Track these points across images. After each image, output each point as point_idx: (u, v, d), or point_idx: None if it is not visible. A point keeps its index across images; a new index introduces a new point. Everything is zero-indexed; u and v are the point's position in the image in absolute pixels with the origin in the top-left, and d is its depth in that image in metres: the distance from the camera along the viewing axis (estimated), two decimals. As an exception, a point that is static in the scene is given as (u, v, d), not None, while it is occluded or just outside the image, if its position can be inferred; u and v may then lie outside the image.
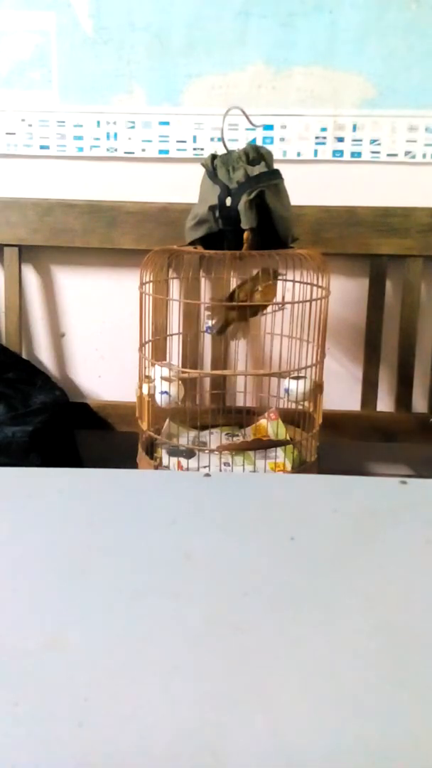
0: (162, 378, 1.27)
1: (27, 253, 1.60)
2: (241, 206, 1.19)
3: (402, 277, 1.54)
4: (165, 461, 1.31)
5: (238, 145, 1.48)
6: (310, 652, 0.41)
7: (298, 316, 1.33)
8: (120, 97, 1.51)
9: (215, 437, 1.41)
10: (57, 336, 1.67)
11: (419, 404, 1.63)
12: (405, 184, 1.52)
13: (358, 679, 0.39)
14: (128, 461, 1.39)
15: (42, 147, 1.55)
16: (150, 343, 1.34)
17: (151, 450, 1.37)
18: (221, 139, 1.29)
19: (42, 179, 1.57)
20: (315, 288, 1.28)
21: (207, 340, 1.59)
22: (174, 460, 1.30)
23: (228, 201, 1.21)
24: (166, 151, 1.53)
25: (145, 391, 1.28)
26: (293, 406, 1.38)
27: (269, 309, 1.31)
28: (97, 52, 1.48)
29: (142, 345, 1.31)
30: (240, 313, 1.27)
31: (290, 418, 1.42)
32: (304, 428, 1.37)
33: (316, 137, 1.50)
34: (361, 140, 1.50)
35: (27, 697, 0.37)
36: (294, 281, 1.35)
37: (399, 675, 0.39)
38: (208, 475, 0.66)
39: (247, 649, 0.41)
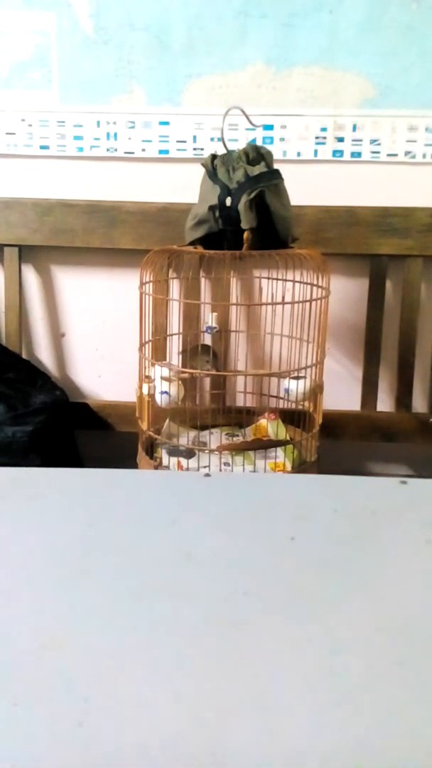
0: (162, 378, 1.27)
1: (27, 253, 1.60)
2: (241, 206, 1.19)
3: (402, 277, 1.54)
4: (165, 461, 1.31)
5: (238, 145, 1.48)
6: (310, 652, 0.41)
7: (298, 316, 1.33)
8: (120, 97, 1.51)
9: (215, 437, 1.41)
10: (57, 336, 1.67)
11: (419, 404, 1.63)
12: (405, 184, 1.52)
13: (358, 679, 0.38)
14: (128, 461, 1.39)
15: (42, 147, 1.55)
16: (150, 343, 1.34)
17: (151, 450, 1.37)
18: (221, 139, 1.29)
19: (42, 179, 1.57)
20: (315, 288, 1.28)
21: (207, 341, 1.59)
22: (174, 460, 1.30)
23: (228, 201, 1.21)
24: (166, 151, 1.53)
25: (145, 391, 1.28)
26: (293, 406, 1.38)
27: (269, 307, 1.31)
28: (97, 52, 1.48)
29: (142, 345, 1.31)
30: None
31: (290, 418, 1.42)
32: (304, 428, 1.37)
33: (316, 137, 1.50)
34: (361, 140, 1.50)
35: (27, 697, 0.37)
36: (294, 281, 1.35)
37: (399, 675, 0.39)
38: (208, 475, 0.66)
39: (247, 648, 0.41)
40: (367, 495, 0.62)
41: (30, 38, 1.48)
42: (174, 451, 1.32)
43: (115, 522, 0.56)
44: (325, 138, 1.50)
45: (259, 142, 1.51)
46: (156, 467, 1.32)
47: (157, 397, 1.27)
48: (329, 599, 0.46)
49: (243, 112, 1.28)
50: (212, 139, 1.51)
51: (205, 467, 1.27)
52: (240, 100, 1.47)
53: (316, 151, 1.51)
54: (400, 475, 1.54)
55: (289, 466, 1.30)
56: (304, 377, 1.29)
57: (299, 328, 1.34)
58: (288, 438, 1.39)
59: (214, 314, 1.53)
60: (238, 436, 1.44)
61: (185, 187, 1.49)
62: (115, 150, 1.54)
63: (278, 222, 1.22)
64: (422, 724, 0.35)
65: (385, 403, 1.62)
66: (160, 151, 1.53)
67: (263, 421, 1.45)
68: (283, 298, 1.43)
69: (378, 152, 1.50)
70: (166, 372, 1.28)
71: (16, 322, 1.59)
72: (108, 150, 1.54)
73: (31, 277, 1.64)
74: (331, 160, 1.52)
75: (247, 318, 1.60)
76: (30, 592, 0.46)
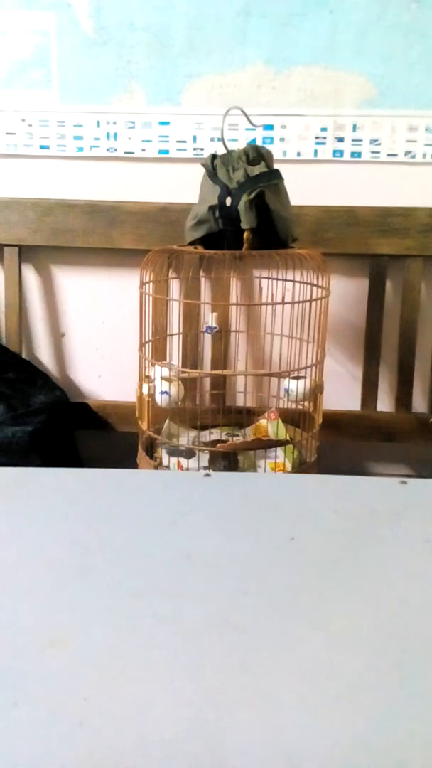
0: (162, 378, 1.27)
1: (27, 253, 1.60)
2: (241, 206, 1.19)
3: (402, 277, 1.54)
4: (165, 461, 1.31)
5: (238, 145, 1.48)
6: (310, 652, 0.41)
7: (298, 316, 1.34)
8: (120, 97, 1.51)
9: (215, 437, 1.41)
10: (57, 336, 1.67)
11: (419, 404, 1.63)
12: (405, 184, 1.52)
13: (358, 679, 0.38)
14: (128, 461, 1.39)
15: (42, 147, 1.55)
16: (150, 343, 1.34)
17: (151, 450, 1.37)
18: (221, 139, 1.29)
19: (42, 179, 1.57)
20: (315, 288, 1.28)
21: (207, 340, 1.59)
22: (174, 460, 1.30)
23: (228, 201, 1.21)
24: (166, 151, 1.53)
25: (145, 391, 1.28)
26: (293, 406, 1.38)
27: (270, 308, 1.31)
28: (97, 52, 1.48)
29: (142, 345, 1.31)
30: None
31: (290, 418, 1.42)
32: (304, 428, 1.37)
33: (316, 137, 1.50)
34: (361, 140, 1.50)
35: (27, 697, 0.37)
36: (294, 281, 1.35)
37: (399, 675, 0.39)
38: (208, 475, 0.66)
39: (247, 648, 0.41)
40: (367, 495, 0.62)
41: (30, 38, 1.48)
42: (174, 451, 1.32)
43: (115, 522, 0.56)
44: (325, 138, 1.50)
45: (259, 142, 1.51)
46: (156, 467, 1.32)
47: (157, 397, 1.27)
48: (329, 599, 0.46)
49: (243, 112, 1.28)
50: (212, 139, 1.51)
51: (205, 467, 1.27)
52: (240, 100, 1.47)
53: (316, 151, 1.51)
54: (400, 475, 1.54)
55: (289, 466, 1.30)
56: (304, 377, 1.29)
57: (299, 328, 1.34)
58: (288, 438, 1.39)
59: (214, 314, 1.53)
60: (238, 436, 1.44)
61: (185, 187, 1.49)
62: (115, 150, 1.54)
63: (278, 222, 1.22)
64: (422, 723, 0.35)
65: (385, 403, 1.62)
66: (160, 151, 1.53)
67: (263, 421, 1.45)
68: (283, 298, 1.43)
69: (378, 152, 1.50)
70: (166, 372, 1.28)
71: (16, 322, 1.59)
72: (108, 150, 1.54)
73: (31, 277, 1.64)
74: (331, 160, 1.52)
75: (247, 318, 1.60)
76: (30, 592, 0.46)
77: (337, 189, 1.53)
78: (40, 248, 1.59)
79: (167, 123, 1.51)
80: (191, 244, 1.30)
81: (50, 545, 0.52)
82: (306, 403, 1.34)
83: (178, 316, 1.48)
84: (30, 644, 0.41)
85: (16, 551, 0.51)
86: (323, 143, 1.51)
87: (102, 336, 1.66)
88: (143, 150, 1.53)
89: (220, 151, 1.27)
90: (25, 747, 0.33)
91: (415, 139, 1.49)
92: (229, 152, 1.25)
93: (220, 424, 1.51)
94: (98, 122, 1.52)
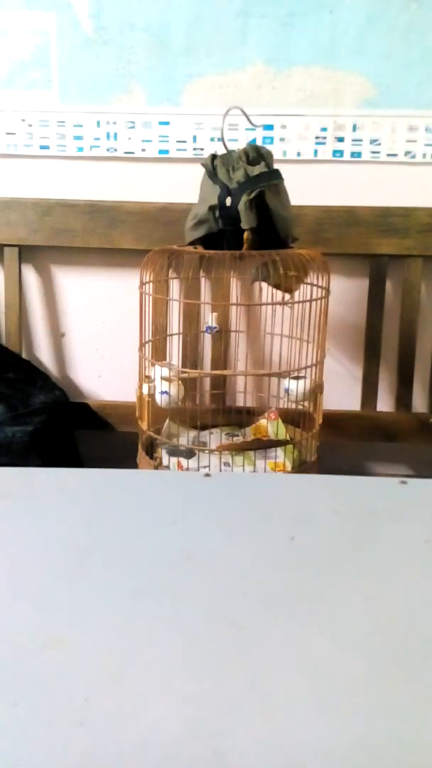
0: (162, 378, 1.27)
1: (27, 253, 1.60)
2: (241, 206, 1.19)
3: (402, 277, 1.54)
4: (165, 461, 1.31)
5: (238, 145, 1.48)
6: (310, 652, 0.41)
7: (298, 316, 1.34)
8: (120, 97, 1.51)
9: (215, 437, 1.41)
10: (57, 336, 1.67)
11: (419, 404, 1.63)
12: (405, 184, 1.52)
13: (358, 679, 0.38)
14: (128, 461, 1.39)
15: (42, 147, 1.55)
16: (150, 343, 1.34)
17: (151, 450, 1.37)
18: (221, 139, 1.29)
19: (42, 179, 1.57)
20: (315, 288, 1.28)
21: (207, 340, 1.59)
22: (174, 460, 1.30)
23: (228, 201, 1.21)
24: (166, 151, 1.53)
25: (145, 391, 1.28)
26: (293, 406, 1.38)
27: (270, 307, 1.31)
28: (97, 52, 1.48)
29: (142, 345, 1.31)
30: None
31: (290, 418, 1.42)
32: (304, 428, 1.37)
33: (316, 137, 1.50)
34: (361, 140, 1.50)
35: (27, 697, 0.37)
36: (294, 281, 1.35)
37: (399, 675, 0.39)
38: (208, 475, 0.66)
39: (247, 648, 0.41)
40: (367, 495, 0.62)
41: (30, 38, 1.48)
42: (174, 451, 1.32)
43: (115, 522, 0.56)
44: (325, 138, 1.50)
45: (259, 142, 1.51)
46: (156, 467, 1.32)
47: (157, 397, 1.27)
48: (329, 599, 0.46)
49: (243, 112, 1.28)
50: (212, 139, 1.51)
51: (205, 467, 1.27)
52: (240, 100, 1.47)
53: (316, 151, 1.51)
54: (400, 475, 1.54)
55: (289, 466, 1.30)
56: (304, 377, 1.29)
57: (299, 328, 1.34)
58: (288, 438, 1.39)
59: (214, 314, 1.53)
60: (238, 436, 1.44)
61: (185, 187, 1.49)
62: (115, 150, 1.54)
63: (278, 222, 1.22)
64: (422, 724, 0.35)
65: (385, 403, 1.62)
66: (160, 151, 1.53)
67: (263, 421, 1.45)
68: (283, 297, 1.43)
69: (378, 152, 1.50)
70: (166, 372, 1.28)
71: (16, 322, 1.59)
72: (108, 150, 1.54)
73: (31, 277, 1.64)
74: (331, 160, 1.52)
75: (247, 318, 1.60)
76: (30, 591, 0.46)
77: (337, 189, 1.53)
78: (40, 248, 1.59)
79: (167, 123, 1.51)
80: (191, 244, 1.30)
81: (50, 545, 0.52)
82: (306, 403, 1.34)
83: (178, 316, 1.48)
84: (30, 644, 0.41)
85: (16, 551, 0.51)
86: (323, 143, 1.51)
87: (102, 336, 1.66)
88: (143, 150, 1.53)
89: (220, 151, 1.27)
90: (25, 747, 0.33)
91: (415, 139, 1.49)
92: (229, 152, 1.25)
93: (220, 424, 1.51)
94: (98, 122, 1.52)
